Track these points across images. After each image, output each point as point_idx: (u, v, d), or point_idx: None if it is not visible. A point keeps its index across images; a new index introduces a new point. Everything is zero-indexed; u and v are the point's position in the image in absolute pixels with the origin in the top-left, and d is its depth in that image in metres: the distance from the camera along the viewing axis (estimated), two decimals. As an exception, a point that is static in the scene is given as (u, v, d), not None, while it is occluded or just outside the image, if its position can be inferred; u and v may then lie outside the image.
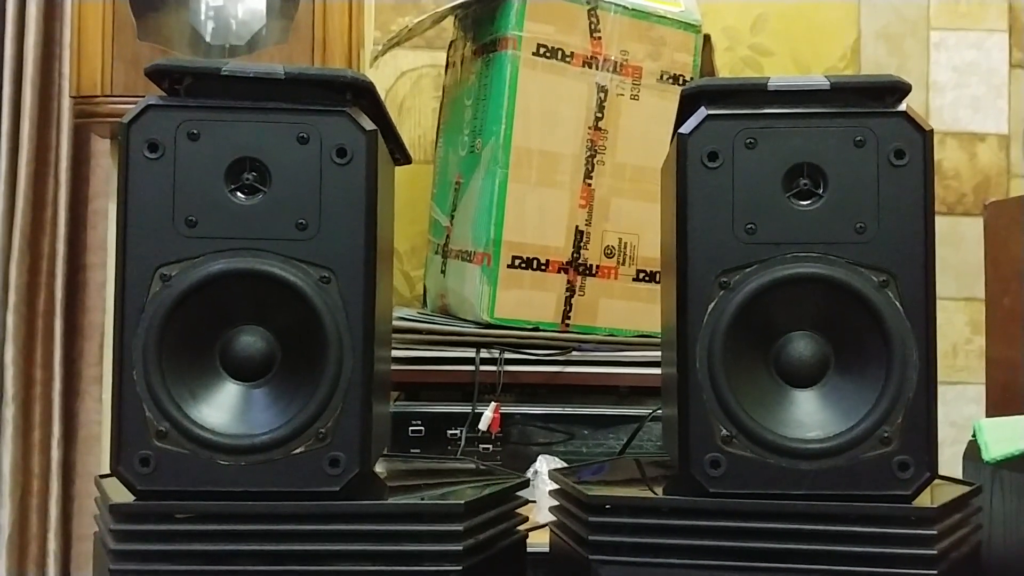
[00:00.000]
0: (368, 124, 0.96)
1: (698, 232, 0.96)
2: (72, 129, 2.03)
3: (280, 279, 0.94)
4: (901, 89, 0.96)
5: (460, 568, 0.93)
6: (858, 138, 0.95)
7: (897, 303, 0.94)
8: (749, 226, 0.95)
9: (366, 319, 0.95)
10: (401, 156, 1.16)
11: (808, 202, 0.96)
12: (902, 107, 0.96)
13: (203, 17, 1.70)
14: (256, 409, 0.95)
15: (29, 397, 2.04)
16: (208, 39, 1.70)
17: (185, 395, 0.94)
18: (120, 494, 0.95)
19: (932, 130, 0.96)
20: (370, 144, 0.96)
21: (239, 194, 0.95)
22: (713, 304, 0.95)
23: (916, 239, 0.95)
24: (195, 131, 0.95)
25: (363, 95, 0.99)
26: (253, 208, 0.95)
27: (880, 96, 0.97)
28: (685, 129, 0.97)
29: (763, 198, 0.95)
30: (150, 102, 0.95)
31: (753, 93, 0.97)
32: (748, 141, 0.96)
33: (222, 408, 0.95)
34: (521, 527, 1.09)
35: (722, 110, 0.96)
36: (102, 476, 1.03)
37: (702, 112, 0.97)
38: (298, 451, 0.94)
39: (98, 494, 1.01)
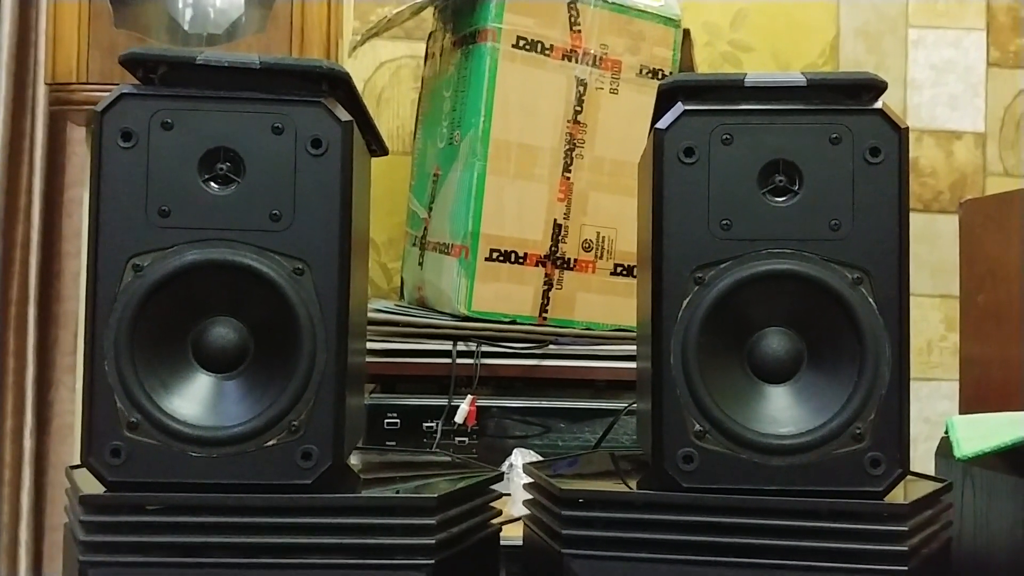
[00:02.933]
0: (344, 115, 0.96)
1: (673, 227, 0.96)
2: (47, 116, 2.01)
3: (253, 270, 0.93)
4: (877, 87, 0.96)
5: (432, 562, 0.93)
6: (834, 135, 0.95)
7: (871, 300, 0.94)
8: (724, 222, 0.95)
9: (340, 311, 0.94)
10: (377, 147, 1.15)
11: (783, 199, 0.96)
12: (878, 104, 0.96)
13: (181, 5, 1.68)
14: (228, 401, 0.94)
15: (1, 385, 2.02)
16: (186, 27, 1.68)
17: (157, 386, 0.93)
18: (91, 485, 0.94)
19: (908, 128, 0.96)
20: (345, 135, 0.95)
21: (213, 184, 0.95)
22: (688, 299, 0.95)
23: (891, 237, 0.95)
24: (169, 120, 0.94)
25: (339, 86, 0.98)
26: (227, 198, 0.94)
27: (856, 93, 0.97)
28: (661, 124, 0.97)
29: (738, 194, 0.96)
30: (124, 91, 0.94)
31: (730, 89, 0.97)
32: (724, 137, 0.96)
33: (194, 400, 0.94)
34: (495, 520, 1.09)
35: (699, 106, 0.96)
36: (73, 467, 1.02)
37: (679, 107, 0.97)
38: (270, 444, 0.93)
39: (69, 485, 1.00)
